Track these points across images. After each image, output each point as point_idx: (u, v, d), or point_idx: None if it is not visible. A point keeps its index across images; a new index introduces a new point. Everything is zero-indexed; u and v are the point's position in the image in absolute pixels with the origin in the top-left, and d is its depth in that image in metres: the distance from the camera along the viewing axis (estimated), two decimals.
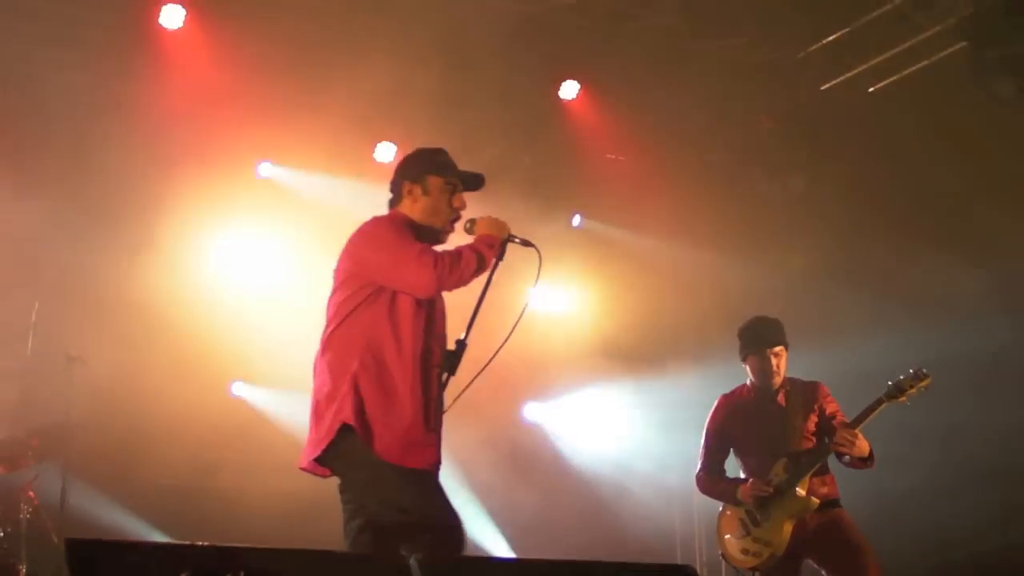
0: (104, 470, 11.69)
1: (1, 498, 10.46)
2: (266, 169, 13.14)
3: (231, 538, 5.77)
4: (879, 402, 8.95)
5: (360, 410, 6.10)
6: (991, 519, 11.21)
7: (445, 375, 6.48)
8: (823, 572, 9.10)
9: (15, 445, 10.58)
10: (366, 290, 6.33)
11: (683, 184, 13.55)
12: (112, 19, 11.13)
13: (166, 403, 12.03)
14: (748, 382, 9.52)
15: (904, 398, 9.05)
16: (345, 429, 6.09)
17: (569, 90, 12.99)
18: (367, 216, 12.49)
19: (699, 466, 9.52)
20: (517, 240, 6.67)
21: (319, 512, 11.56)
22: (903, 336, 11.30)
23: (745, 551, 9.10)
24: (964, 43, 11.52)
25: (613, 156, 13.51)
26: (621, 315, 14.24)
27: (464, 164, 6.82)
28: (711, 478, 9.38)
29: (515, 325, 6.59)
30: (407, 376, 6.22)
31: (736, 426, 9.45)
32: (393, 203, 6.79)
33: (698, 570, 13.46)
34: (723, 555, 9.35)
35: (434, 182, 6.65)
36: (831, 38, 12.49)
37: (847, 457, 8.85)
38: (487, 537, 13.15)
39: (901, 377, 8.96)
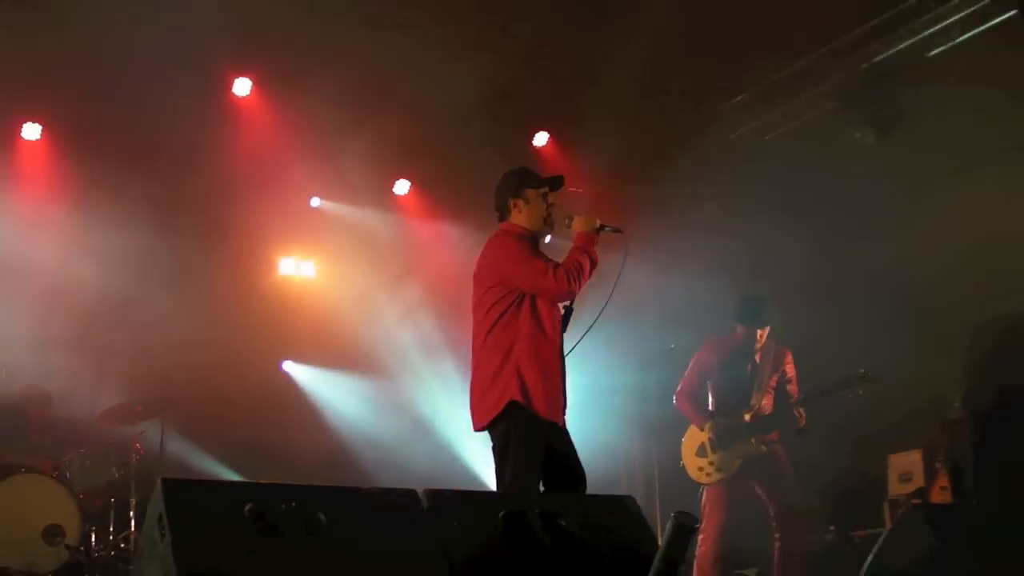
0: (195, 428, 11.76)
1: (117, 449, 10.64)
2: (315, 201, 13.16)
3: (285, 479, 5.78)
4: (835, 389, 9.11)
5: (523, 388, 6.40)
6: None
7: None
8: (761, 492, 9.26)
9: (125, 409, 10.70)
10: (512, 296, 6.55)
11: (631, 212, 13.52)
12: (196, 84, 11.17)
13: (235, 376, 12.08)
14: (737, 334, 9.58)
15: (860, 390, 9.20)
16: (513, 404, 6.41)
17: (540, 139, 13.04)
18: (388, 235, 12.62)
19: (680, 386, 9.70)
20: (608, 229, 6.78)
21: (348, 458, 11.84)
22: None
23: (700, 469, 9.34)
24: (836, 103, 11.58)
25: (574, 189, 13.49)
26: None
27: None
28: (689, 399, 9.45)
29: (610, 294, 6.98)
30: (554, 359, 6.55)
31: (717, 366, 9.54)
32: (502, 217, 6.95)
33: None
34: (683, 465, 9.49)
35: (530, 193, 6.81)
36: (738, 98, 12.56)
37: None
38: None
39: (861, 371, 9.10)
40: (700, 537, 9.30)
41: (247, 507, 4.10)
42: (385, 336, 12.99)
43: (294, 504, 4.17)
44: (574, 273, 6.43)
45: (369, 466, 12.33)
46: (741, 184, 12.51)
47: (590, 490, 6.62)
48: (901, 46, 11.18)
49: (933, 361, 11.99)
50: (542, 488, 6.47)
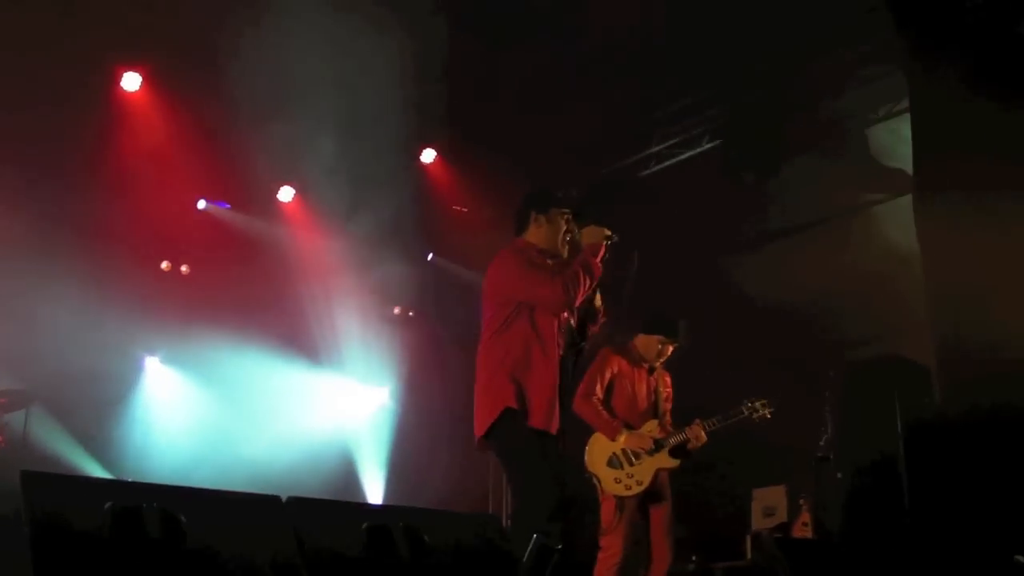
0: (60, 422, 11.60)
1: None
2: (202, 204, 13.03)
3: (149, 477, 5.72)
4: (734, 417, 9.19)
5: (518, 395, 6.43)
6: None
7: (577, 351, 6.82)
8: (646, 513, 9.27)
9: None
10: (510, 306, 6.61)
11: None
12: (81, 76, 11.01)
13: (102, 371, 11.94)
14: (635, 345, 9.54)
15: (756, 418, 9.30)
16: (508, 411, 6.42)
17: (428, 156, 13.08)
18: (269, 240, 12.54)
19: (581, 390, 9.37)
20: (616, 239, 6.79)
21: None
22: None
23: (618, 480, 9.15)
24: (718, 142, 11.80)
25: (458, 208, 13.55)
26: None
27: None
28: (593, 406, 9.27)
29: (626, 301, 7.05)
30: (549, 369, 6.55)
31: (618, 375, 9.44)
32: (519, 230, 6.95)
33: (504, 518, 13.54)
34: (594, 476, 9.26)
35: (555, 213, 6.83)
36: (628, 128, 12.73)
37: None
38: None
39: (753, 402, 9.20)
40: (608, 551, 9.12)
41: (108, 505, 4.06)
42: (252, 340, 12.85)
43: (155, 504, 4.13)
44: (571, 283, 6.47)
45: (232, 470, 12.20)
46: (625, 212, 12.65)
47: (459, 505, 6.68)
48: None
49: (801, 399, 12.26)
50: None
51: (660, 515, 9.27)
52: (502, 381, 6.49)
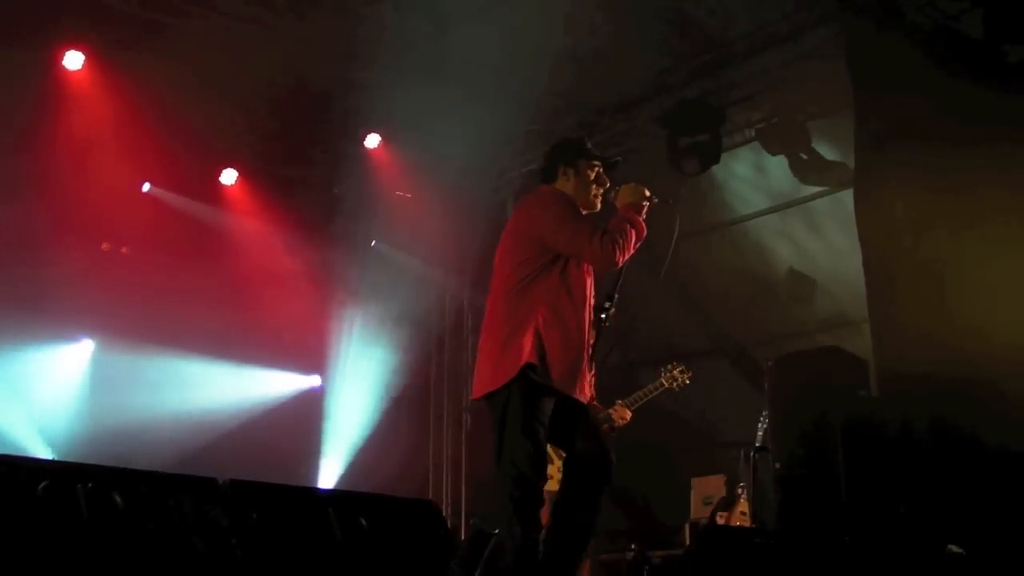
0: None
1: None
2: (146, 187, 12.91)
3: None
4: (655, 389, 9.11)
5: (542, 352, 5.91)
6: None
7: (605, 316, 6.28)
8: None
9: None
10: (545, 257, 6.05)
11: (456, 219, 13.66)
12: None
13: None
14: None
15: (676, 386, 9.24)
16: (528, 367, 5.88)
17: (372, 140, 13.04)
18: (213, 224, 12.47)
19: None
20: (656, 200, 6.33)
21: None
22: None
23: (551, 476, 9.07)
24: (665, 131, 11.86)
25: (401, 193, 13.54)
26: None
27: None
28: None
29: (663, 271, 6.53)
30: (579, 327, 6.07)
31: None
32: (547, 180, 6.41)
33: (444, 504, 13.55)
34: None
35: (583, 165, 6.33)
36: (572, 117, 12.77)
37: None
38: None
39: (671, 368, 9.13)
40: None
41: (42, 485, 4.05)
42: (188, 322, 12.74)
43: (90, 485, 4.12)
44: (620, 242, 5.97)
45: (167, 452, 12.11)
46: None
47: (399, 491, 6.48)
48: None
49: (740, 390, 12.37)
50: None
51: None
52: (525, 337, 5.96)
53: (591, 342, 6.16)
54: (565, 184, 6.28)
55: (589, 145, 6.46)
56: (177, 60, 10.97)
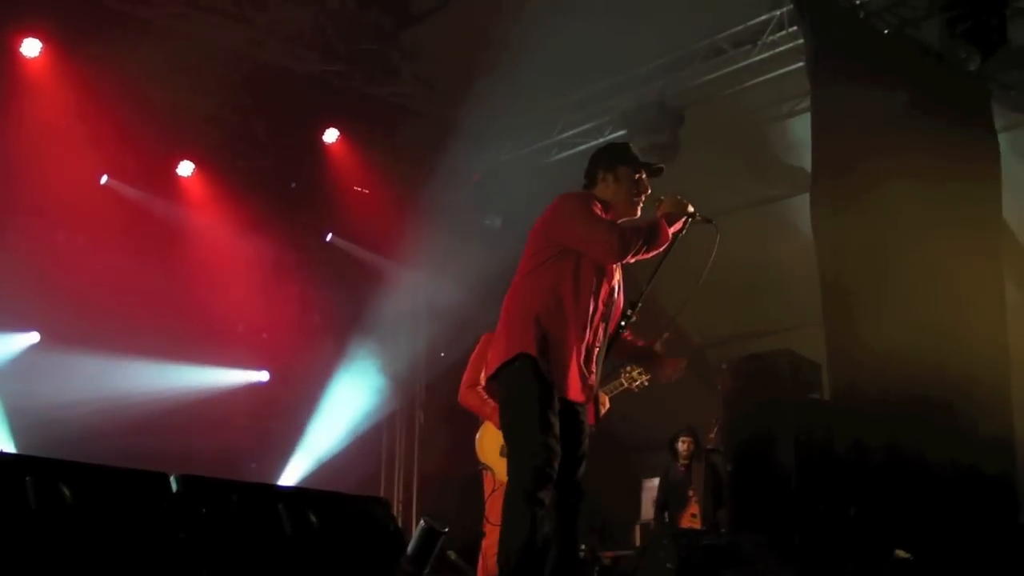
0: None
1: None
2: (104, 179, 12.77)
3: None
4: (613, 390, 9.09)
5: (538, 342, 5.80)
6: None
7: (625, 323, 6.15)
8: None
9: None
10: (556, 248, 5.98)
11: (411, 216, 13.66)
12: None
13: None
14: None
15: (635, 386, 9.23)
16: (523, 356, 5.79)
17: (331, 135, 13.00)
18: (168, 217, 12.39)
19: (465, 381, 9.11)
20: (699, 217, 6.20)
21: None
22: None
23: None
24: (623, 132, 11.90)
25: (359, 188, 13.50)
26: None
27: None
28: (478, 395, 9.01)
29: (695, 287, 6.22)
30: (579, 328, 5.92)
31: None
32: (588, 186, 6.30)
33: (395, 501, 13.55)
34: (486, 467, 9.01)
35: (623, 171, 6.17)
36: (531, 115, 12.81)
37: None
38: None
39: (629, 369, 9.12)
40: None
41: None
42: (139, 314, 12.63)
43: (38, 477, 4.10)
44: (631, 237, 5.87)
45: (117, 447, 12.02)
46: (523, 200, 12.72)
47: (351, 488, 6.40)
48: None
49: (694, 392, 12.42)
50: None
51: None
52: (525, 325, 5.90)
53: (598, 343, 6.06)
54: (605, 190, 6.20)
55: (634, 151, 6.31)
56: (136, 50, 10.90)
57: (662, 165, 6.30)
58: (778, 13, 10.87)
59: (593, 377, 6.03)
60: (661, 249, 6.00)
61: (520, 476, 5.69)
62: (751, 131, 12.49)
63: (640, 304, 6.14)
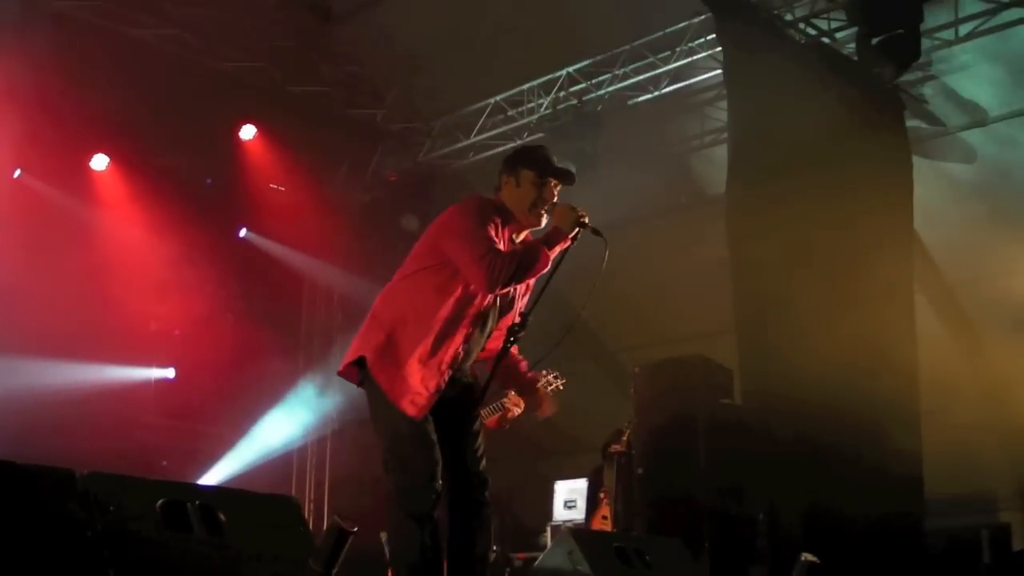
0: None
1: None
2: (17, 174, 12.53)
3: None
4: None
5: (383, 352, 5.64)
6: None
7: (513, 339, 5.84)
8: None
9: None
10: (438, 257, 5.72)
11: (328, 215, 13.59)
12: None
13: None
14: None
15: (550, 390, 9.23)
16: (361, 361, 5.65)
17: (247, 132, 12.88)
18: (79, 212, 12.18)
19: None
20: (589, 229, 5.80)
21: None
22: None
23: None
24: (542, 134, 11.92)
25: (275, 186, 13.40)
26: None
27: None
28: None
29: (585, 302, 5.84)
30: (446, 349, 5.70)
31: None
32: (495, 190, 5.98)
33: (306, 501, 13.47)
34: None
35: (526, 176, 5.83)
36: (448, 117, 12.80)
37: None
38: None
39: (545, 373, 9.10)
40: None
41: None
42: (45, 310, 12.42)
43: None
44: (505, 269, 5.56)
45: (25, 442, 11.81)
46: (441, 201, 12.70)
47: (262, 488, 6.25)
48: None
49: (607, 395, 12.46)
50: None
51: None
52: (380, 327, 5.71)
53: (466, 357, 5.84)
54: (506, 194, 5.94)
55: (544, 155, 5.96)
56: (51, 43, 10.76)
57: (572, 171, 5.97)
58: (697, 20, 10.96)
59: (440, 385, 5.72)
60: (543, 272, 5.75)
61: (391, 490, 5.60)
62: (668, 138, 12.56)
63: (529, 319, 5.84)
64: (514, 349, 6.04)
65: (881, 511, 8.93)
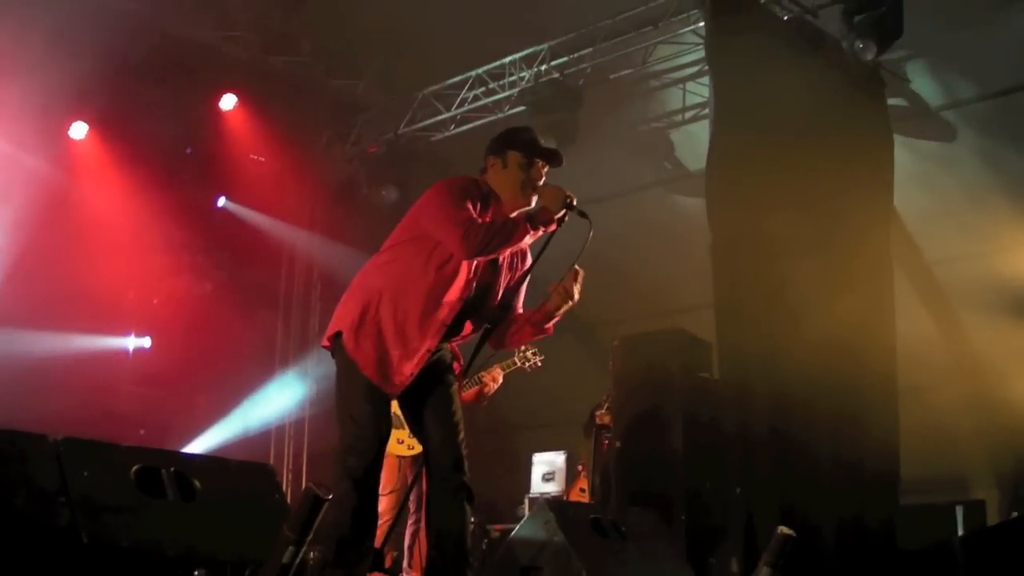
0: None
1: None
2: None
3: None
4: (507, 368, 9.08)
5: (357, 326, 5.63)
6: None
7: (493, 326, 5.93)
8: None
9: None
10: (415, 231, 5.75)
11: (308, 186, 13.56)
12: None
13: None
14: None
15: (528, 366, 9.24)
16: (337, 335, 5.67)
17: (228, 102, 12.81)
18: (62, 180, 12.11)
19: None
20: (576, 211, 5.81)
21: None
22: None
23: (401, 442, 8.87)
24: (523, 107, 11.87)
25: (255, 157, 13.34)
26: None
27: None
28: None
29: (562, 281, 5.85)
30: (426, 323, 5.66)
31: None
32: (481, 172, 5.98)
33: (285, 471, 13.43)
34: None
35: (513, 157, 5.86)
36: (429, 89, 12.73)
37: None
38: None
39: (524, 349, 9.10)
40: (383, 515, 8.66)
41: None
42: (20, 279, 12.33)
43: None
44: (486, 238, 5.53)
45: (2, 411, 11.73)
46: (420, 173, 12.66)
47: (239, 456, 6.26)
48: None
49: (585, 368, 12.45)
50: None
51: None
52: (354, 303, 5.71)
53: (443, 334, 5.76)
54: (493, 176, 5.94)
55: (530, 137, 6.01)
56: (29, 11, 10.66)
57: (559, 152, 6.00)
58: None
59: (415, 362, 5.70)
60: (518, 245, 5.75)
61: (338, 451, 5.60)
62: (650, 112, 12.53)
63: (513, 308, 5.98)
64: (519, 307, 6.06)
65: (857, 496, 8.97)
